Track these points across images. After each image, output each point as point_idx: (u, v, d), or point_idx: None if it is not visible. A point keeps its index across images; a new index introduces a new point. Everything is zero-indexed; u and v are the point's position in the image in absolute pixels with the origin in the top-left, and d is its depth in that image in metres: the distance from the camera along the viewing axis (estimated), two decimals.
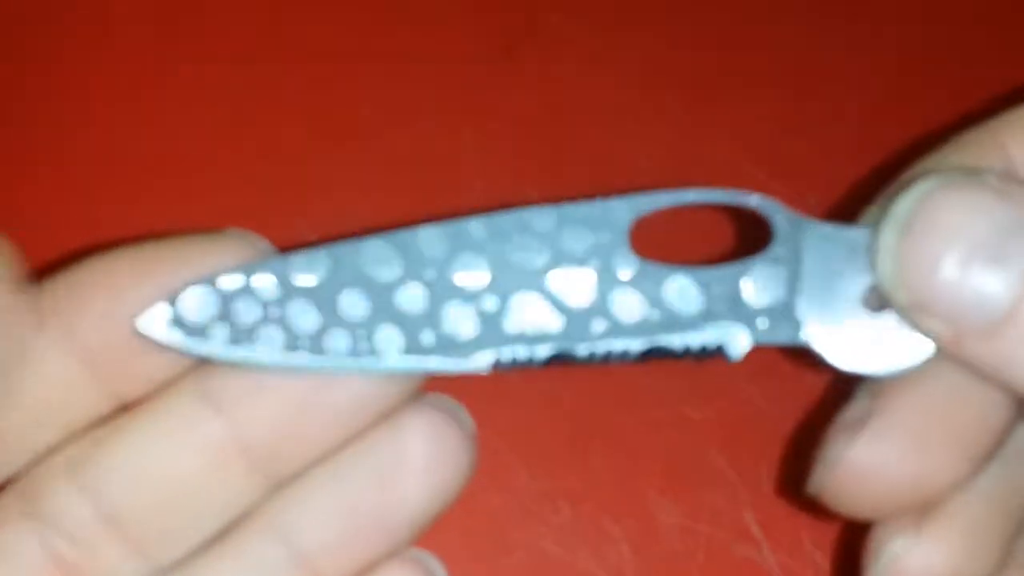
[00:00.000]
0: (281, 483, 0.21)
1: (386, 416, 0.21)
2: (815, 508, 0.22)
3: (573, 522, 0.30)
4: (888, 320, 0.20)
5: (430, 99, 0.34)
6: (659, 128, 0.34)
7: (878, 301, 0.20)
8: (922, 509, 0.21)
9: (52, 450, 0.20)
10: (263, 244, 0.21)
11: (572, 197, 0.20)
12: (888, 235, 0.19)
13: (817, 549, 0.30)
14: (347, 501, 0.21)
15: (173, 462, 0.20)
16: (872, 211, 0.21)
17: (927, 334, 0.19)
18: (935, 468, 0.20)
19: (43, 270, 0.21)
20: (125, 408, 0.20)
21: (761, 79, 0.35)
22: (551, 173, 0.33)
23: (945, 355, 0.19)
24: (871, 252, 0.20)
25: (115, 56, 0.34)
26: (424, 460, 0.21)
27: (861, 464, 0.20)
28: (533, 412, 0.31)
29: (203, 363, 0.20)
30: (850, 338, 0.20)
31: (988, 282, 0.18)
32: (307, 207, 0.33)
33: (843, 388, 0.22)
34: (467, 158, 0.34)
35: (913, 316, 0.19)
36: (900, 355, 0.20)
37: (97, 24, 0.35)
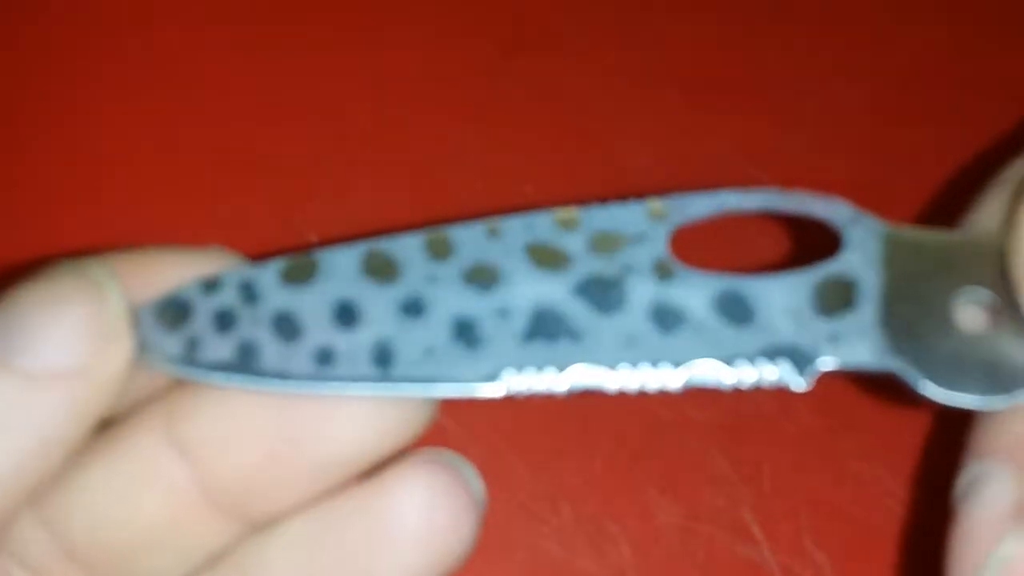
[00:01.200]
0: (255, 528, 0.19)
1: (376, 472, 0.19)
2: None
3: (573, 522, 0.30)
4: (995, 341, 0.17)
5: (430, 99, 0.34)
6: (659, 128, 0.34)
7: (983, 319, 0.17)
8: None
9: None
10: (236, 260, 0.20)
11: (585, 198, 0.18)
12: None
13: (817, 549, 0.30)
14: (322, 565, 0.19)
15: (135, 505, 0.19)
16: (976, 215, 0.18)
17: None
18: None
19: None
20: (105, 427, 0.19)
21: (761, 79, 0.35)
22: (551, 173, 0.33)
23: None
24: (996, 260, 0.16)
25: (112, 56, 0.34)
26: (418, 528, 0.18)
27: None
28: (533, 412, 0.31)
29: (172, 404, 0.19)
30: (944, 363, 0.16)
31: None
32: (307, 207, 0.33)
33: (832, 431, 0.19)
34: (467, 158, 0.34)
35: None
36: (1009, 384, 0.16)
37: (89, 21, 0.35)
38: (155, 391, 0.19)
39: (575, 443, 0.31)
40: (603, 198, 0.19)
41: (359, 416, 0.18)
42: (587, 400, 0.31)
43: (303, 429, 0.18)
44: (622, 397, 0.31)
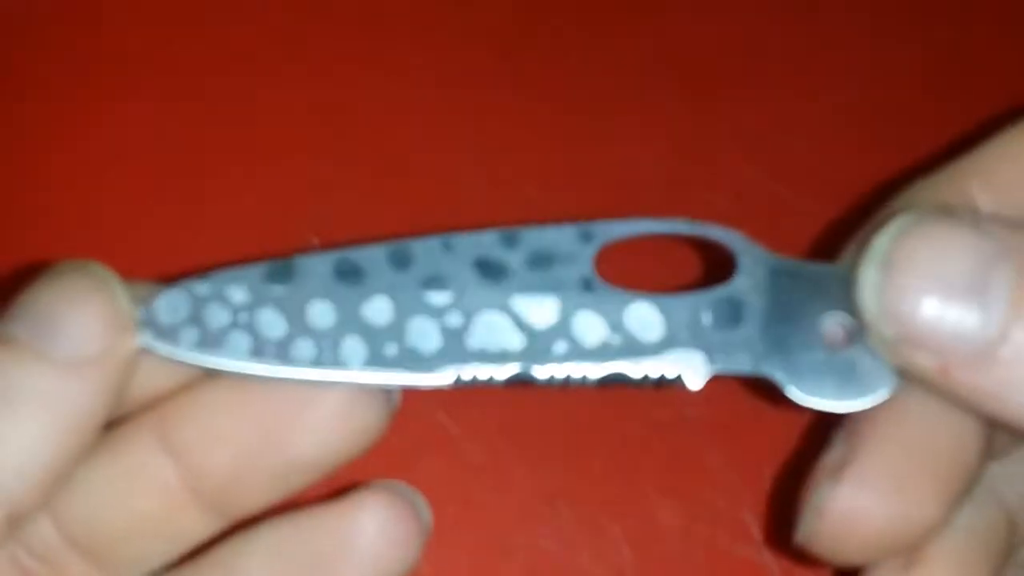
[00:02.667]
0: (236, 521, 0.22)
1: (342, 493, 0.22)
2: (805, 556, 0.22)
3: (573, 522, 0.30)
4: (848, 356, 0.20)
5: (431, 99, 0.34)
6: (659, 128, 0.34)
7: (841, 337, 0.20)
8: (909, 551, 0.21)
9: None
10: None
11: (559, 208, 0.20)
12: (870, 271, 0.19)
13: None
14: (294, 568, 0.22)
15: (130, 500, 0.21)
16: (849, 250, 0.21)
17: (910, 366, 0.19)
18: (918, 508, 0.20)
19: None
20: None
21: (761, 79, 0.35)
22: (551, 173, 0.33)
23: (932, 387, 0.19)
24: (851, 288, 0.20)
25: (112, 55, 0.34)
26: (369, 549, 0.21)
27: (845, 511, 0.20)
28: (533, 412, 0.31)
29: (163, 409, 0.21)
30: (809, 372, 0.20)
31: (970, 314, 0.18)
32: (307, 207, 0.33)
33: (822, 429, 0.22)
34: (468, 158, 0.34)
35: (899, 349, 0.19)
36: (859, 391, 0.20)
37: (89, 20, 0.35)
38: (149, 398, 0.21)
39: (575, 443, 0.31)
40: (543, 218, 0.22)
41: (326, 419, 0.21)
42: (587, 400, 0.31)
43: (279, 431, 0.21)
44: (622, 397, 0.31)
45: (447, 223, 0.33)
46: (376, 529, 0.21)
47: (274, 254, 0.34)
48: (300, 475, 0.21)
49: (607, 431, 0.31)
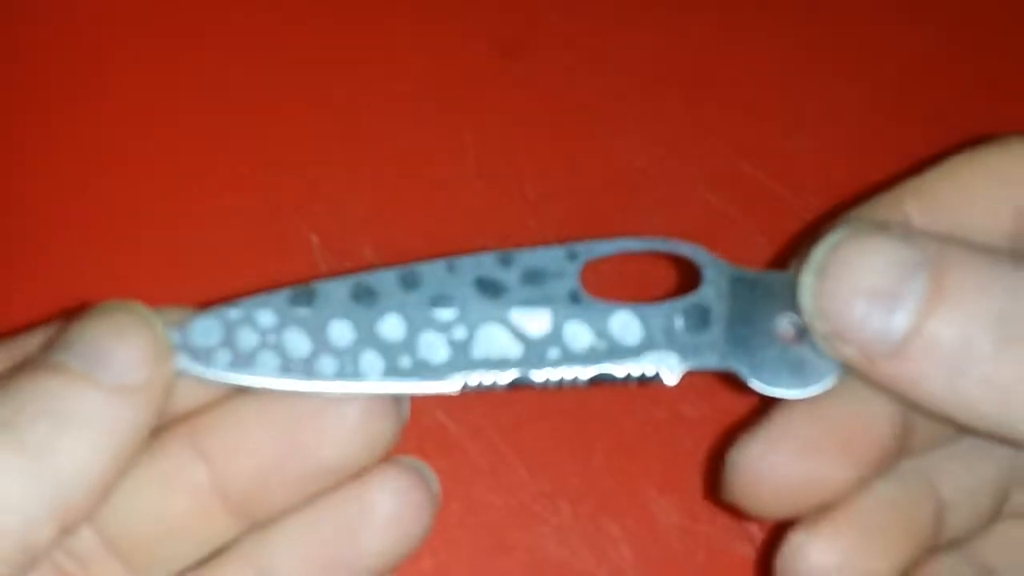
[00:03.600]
0: (259, 524, 0.24)
1: (358, 473, 0.24)
2: (735, 510, 0.24)
3: (573, 522, 0.30)
4: (799, 351, 0.23)
5: (430, 99, 0.34)
6: (658, 128, 0.34)
7: (792, 335, 0.23)
8: (819, 508, 0.24)
9: None
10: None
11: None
12: (807, 277, 0.22)
13: None
14: (316, 546, 0.23)
15: (164, 503, 0.23)
16: (794, 261, 0.24)
17: (843, 358, 0.22)
18: (822, 470, 0.23)
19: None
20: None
21: (761, 79, 0.35)
22: (551, 173, 0.33)
23: (859, 376, 0.22)
24: (795, 292, 0.23)
25: (113, 55, 0.34)
26: (388, 515, 0.23)
27: (755, 466, 0.23)
28: (533, 412, 0.31)
29: (195, 419, 0.23)
30: (766, 365, 0.23)
31: (890, 314, 0.21)
32: (307, 207, 0.33)
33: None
34: (467, 158, 0.34)
35: (831, 343, 0.22)
36: (808, 380, 0.23)
37: (89, 20, 0.35)
38: (184, 411, 0.23)
39: (575, 443, 0.31)
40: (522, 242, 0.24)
41: (345, 428, 0.23)
42: (587, 400, 0.31)
43: (302, 440, 0.23)
44: (621, 397, 0.31)
45: (447, 223, 0.33)
46: (392, 498, 0.23)
47: (274, 254, 0.34)
48: (321, 480, 0.23)
49: (607, 431, 0.31)
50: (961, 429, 0.22)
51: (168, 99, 0.34)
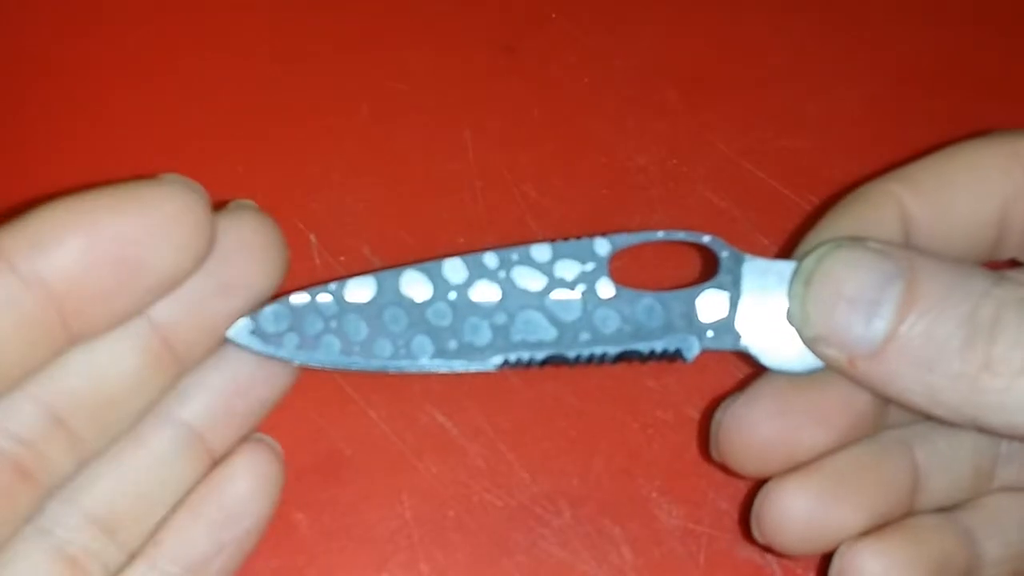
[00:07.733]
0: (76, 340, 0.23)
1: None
2: (722, 469, 0.26)
3: (574, 523, 0.30)
4: None
5: (431, 99, 0.34)
6: (659, 127, 0.34)
7: None
8: (796, 463, 0.25)
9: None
10: (199, 189, 0.24)
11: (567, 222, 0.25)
12: (797, 286, 0.25)
13: None
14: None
15: (109, 364, 0.23)
16: (799, 251, 0.26)
17: (826, 359, 0.24)
18: (801, 432, 0.25)
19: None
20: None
21: (761, 78, 0.35)
22: (551, 172, 0.33)
23: (842, 374, 0.24)
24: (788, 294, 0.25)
25: (113, 52, 0.34)
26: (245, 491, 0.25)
27: (736, 423, 0.26)
28: (534, 413, 0.31)
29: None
30: (777, 344, 0.25)
31: (868, 320, 0.23)
32: (306, 206, 0.33)
33: None
34: (467, 157, 0.34)
35: (816, 345, 0.24)
36: (814, 357, 0.25)
37: (93, 14, 0.35)
38: None
39: (576, 444, 0.31)
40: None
41: (159, 224, 0.23)
42: (587, 401, 0.31)
43: (128, 250, 0.22)
44: (622, 398, 0.31)
45: (447, 223, 0.33)
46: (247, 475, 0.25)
47: None
48: (150, 287, 0.22)
49: (608, 432, 0.31)
50: (935, 419, 0.24)
51: (168, 99, 0.34)
